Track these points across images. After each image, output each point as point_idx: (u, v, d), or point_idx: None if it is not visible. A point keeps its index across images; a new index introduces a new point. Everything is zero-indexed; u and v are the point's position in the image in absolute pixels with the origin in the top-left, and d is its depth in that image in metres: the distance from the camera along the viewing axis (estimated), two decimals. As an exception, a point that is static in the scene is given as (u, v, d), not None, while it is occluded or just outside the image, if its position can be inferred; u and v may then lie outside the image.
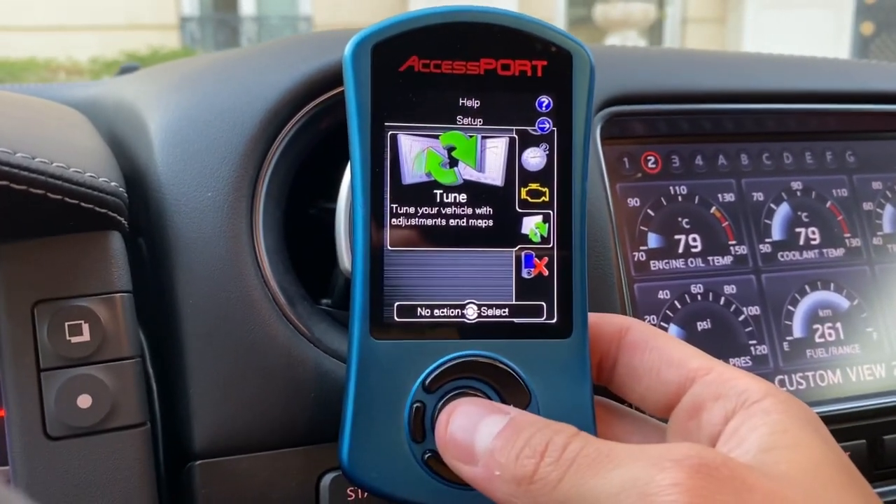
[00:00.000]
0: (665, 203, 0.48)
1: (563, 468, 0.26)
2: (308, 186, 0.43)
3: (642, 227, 0.47)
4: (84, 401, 0.34)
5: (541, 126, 0.34)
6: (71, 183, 0.33)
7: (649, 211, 0.47)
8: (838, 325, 0.49)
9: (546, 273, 0.34)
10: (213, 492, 0.36)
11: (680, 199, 0.48)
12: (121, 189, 0.36)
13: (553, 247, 0.34)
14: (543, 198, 0.34)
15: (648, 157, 0.48)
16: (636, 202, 0.47)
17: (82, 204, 0.33)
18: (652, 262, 0.46)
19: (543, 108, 0.34)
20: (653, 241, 0.47)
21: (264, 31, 7.96)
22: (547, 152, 0.34)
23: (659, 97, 0.48)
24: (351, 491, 0.37)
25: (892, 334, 0.50)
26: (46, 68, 6.33)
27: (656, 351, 0.33)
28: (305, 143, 0.40)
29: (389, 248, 0.33)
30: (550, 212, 0.34)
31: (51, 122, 0.43)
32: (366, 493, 0.36)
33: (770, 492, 0.25)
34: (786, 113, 0.51)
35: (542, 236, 0.34)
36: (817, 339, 0.49)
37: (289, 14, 8.07)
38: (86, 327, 0.34)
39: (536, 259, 0.34)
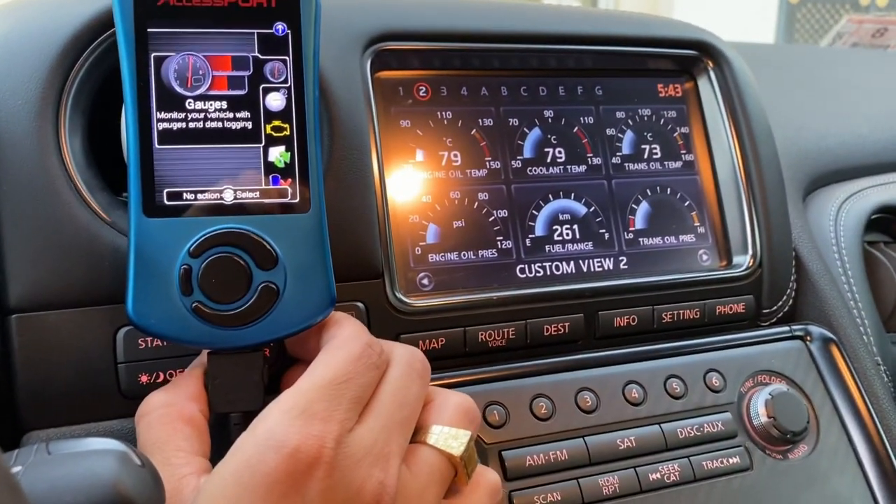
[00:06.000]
0: (432, 125, 0.58)
1: None
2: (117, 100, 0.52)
3: (411, 144, 0.57)
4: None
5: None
6: None
7: (418, 131, 0.58)
8: (575, 227, 0.61)
9: (288, 162, 0.44)
10: (28, 340, 0.45)
11: (445, 122, 0.58)
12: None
13: (294, 141, 0.44)
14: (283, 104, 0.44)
15: (420, 87, 0.58)
16: (408, 123, 0.57)
17: None
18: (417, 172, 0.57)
19: (279, 32, 0.43)
20: (419, 155, 0.57)
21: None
22: (283, 67, 0.43)
23: (427, 35, 0.57)
24: (141, 341, 0.46)
25: (622, 236, 0.62)
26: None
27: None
28: (108, 64, 0.48)
29: (157, 146, 0.42)
30: (290, 114, 0.44)
31: None
32: (153, 342, 0.46)
33: None
34: (546, 52, 0.62)
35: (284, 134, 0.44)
36: (556, 238, 0.60)
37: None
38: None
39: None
